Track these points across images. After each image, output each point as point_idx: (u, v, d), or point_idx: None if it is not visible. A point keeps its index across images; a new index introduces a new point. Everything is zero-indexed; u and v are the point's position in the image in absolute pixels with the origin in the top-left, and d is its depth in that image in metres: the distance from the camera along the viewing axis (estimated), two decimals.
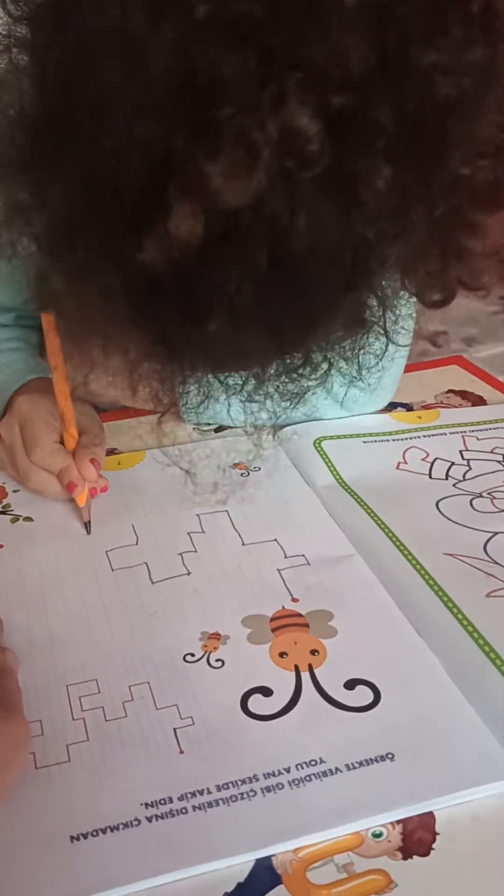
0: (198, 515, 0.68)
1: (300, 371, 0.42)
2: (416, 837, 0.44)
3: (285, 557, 0.64)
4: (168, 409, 0.48)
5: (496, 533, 0.66)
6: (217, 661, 0.54)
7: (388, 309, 0.41)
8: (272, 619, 0.58)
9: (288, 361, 0.41)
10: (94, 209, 0.34)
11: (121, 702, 0.51)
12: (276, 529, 0.67)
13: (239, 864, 0.42)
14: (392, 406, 0.85)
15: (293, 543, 0.65)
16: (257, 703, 0.51)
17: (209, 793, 0.45)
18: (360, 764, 0.47)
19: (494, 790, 0.46)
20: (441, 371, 0.94)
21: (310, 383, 0.43)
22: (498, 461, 0.76)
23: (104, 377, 0.52)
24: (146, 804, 0.45)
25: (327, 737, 0.48)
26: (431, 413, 0.85)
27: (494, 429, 0.82)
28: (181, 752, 0.48)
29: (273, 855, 0.43)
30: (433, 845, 0.43)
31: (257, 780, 0.46)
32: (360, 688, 0.52)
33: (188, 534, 0.67)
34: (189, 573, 0.62)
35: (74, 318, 0.42)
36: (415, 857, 0.43)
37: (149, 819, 0.44)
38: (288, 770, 0.46)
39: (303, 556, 0.64)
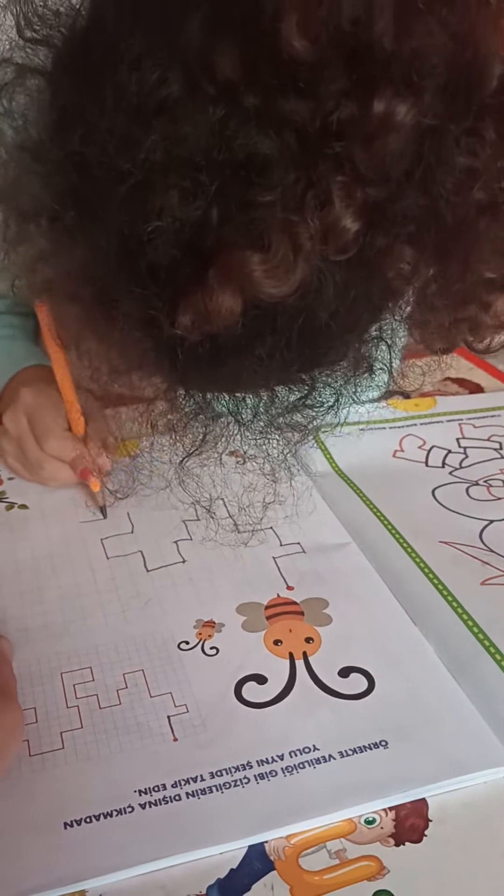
0: (193, 504, 0.68)
1: (306, 401, 0.43)
2: (409, 824, 0.44)
3: (281, 545, 0.64)
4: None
5: (492, 521, 0.66)
6: (212, 648, 0.54)
7: (395, 351, 0.44)
8: (267, 607, 0.58)
9: (295, 393, 0.43)
10: (125, 275, 0.35)
11: (115, 689, 0.51)
12: (271, 517, 0.66)
13: (232, 851, 0.42)
14: (389, 394, 0.85)
15: (289, 531, 0.65)
16: (251, 691, 0.51)
17: (203, 780, 0.45)
18: (354, 751, 0.47)
19: (487, 777, 0.46)
20: (438, 358, 0.93)
21: (316, 413, 0.45)
22: (495, 449, 0.76)
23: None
24: (140, 791, 0.45)
25: (321, 724, 0.49)
26: (428, 401, 0.85)
27: (491, 416, 0.82)
28: (175, 739, 0.48)
29: (266, 841, 0.43)
30: (425, 832, 0.43)
31: (251, 766, 0.46)
32: (354, 675, 0.52)
33: (183, 522, 0.67)
34: (184, 561, 0.62)
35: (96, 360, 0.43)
36: (407, 843, 0.43)
37: (142, 806, 0.44)
38: (281, 757, 0.46)
39: (298, 544, 0.64)
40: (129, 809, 0.44)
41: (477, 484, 0.71)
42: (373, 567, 0.61)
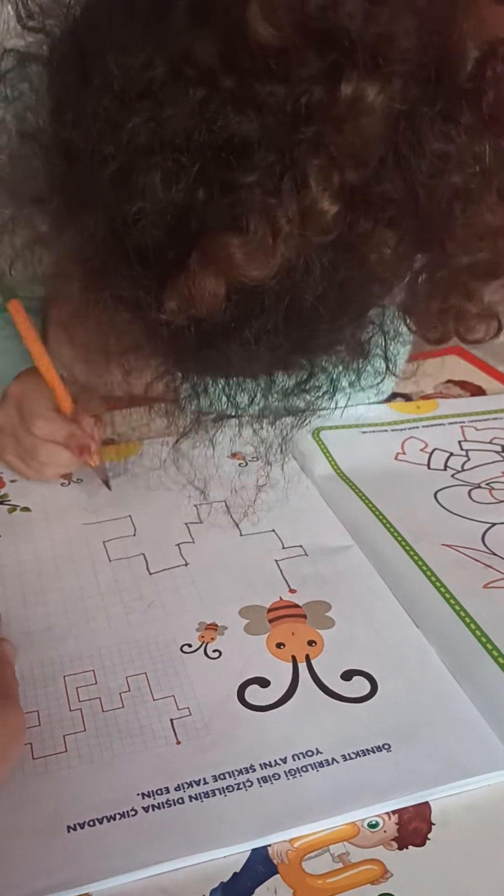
0: (195, 506, 0.68)
1: (304, 386, 0.44)
2: (412, 827, 0.44)
3: (283, 548, 0.64)
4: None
5: (494, 524, 0.66)
6: (214, 651, 0.54)
7: (390, 338, 0.44)
8: (269, 610, 0.58)
9: (293, 378, 0.43)
10: (114, 257, 0.35)
11: (118, 692, 0.51)
12: (273, 520, 0.67)
13: (235, 854, 0.42)
14: (391, 396, 0.85)
15: (291, 534, 0.65)
16: (254, 694, 0.51)
17: (206, 783, 0.45)
18: (357, 754, 0.47)
19: (490, 780, 0.46)
20: (440, 361, 0.93)
21: (314, 398, 0.45)
22: (497, 452, 0.76)
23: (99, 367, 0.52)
24: (143, 794, 0.45)
25: (324, 727, 0.48)
26: (430, 403, 0.85)
27: (493, 419, 0.82)
28: (178, 742, 0.48)
29: (269, 845, 0.43)
30: (428, 835, 0.43)
31: (254, 770, 0.46)
32: (356, 678, 0.52)
33: (185, 524, 0.67)
34: (186, 564, 0.62)
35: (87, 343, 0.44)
36: (410, 847, 0.43)
37: (145, 809, 0.44)
38: (284, 760, 0.46)
39: (300, 546, 0.64)
40: (132, 813, 0.44)
41: (479, 487, 0.71)
42: (375, 570, 0.61)
